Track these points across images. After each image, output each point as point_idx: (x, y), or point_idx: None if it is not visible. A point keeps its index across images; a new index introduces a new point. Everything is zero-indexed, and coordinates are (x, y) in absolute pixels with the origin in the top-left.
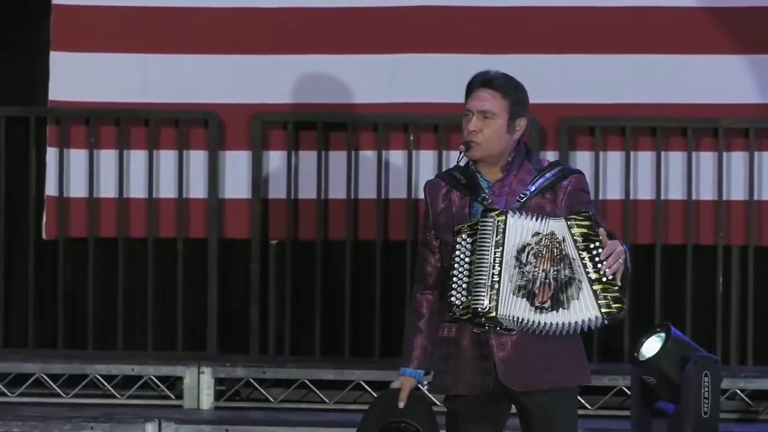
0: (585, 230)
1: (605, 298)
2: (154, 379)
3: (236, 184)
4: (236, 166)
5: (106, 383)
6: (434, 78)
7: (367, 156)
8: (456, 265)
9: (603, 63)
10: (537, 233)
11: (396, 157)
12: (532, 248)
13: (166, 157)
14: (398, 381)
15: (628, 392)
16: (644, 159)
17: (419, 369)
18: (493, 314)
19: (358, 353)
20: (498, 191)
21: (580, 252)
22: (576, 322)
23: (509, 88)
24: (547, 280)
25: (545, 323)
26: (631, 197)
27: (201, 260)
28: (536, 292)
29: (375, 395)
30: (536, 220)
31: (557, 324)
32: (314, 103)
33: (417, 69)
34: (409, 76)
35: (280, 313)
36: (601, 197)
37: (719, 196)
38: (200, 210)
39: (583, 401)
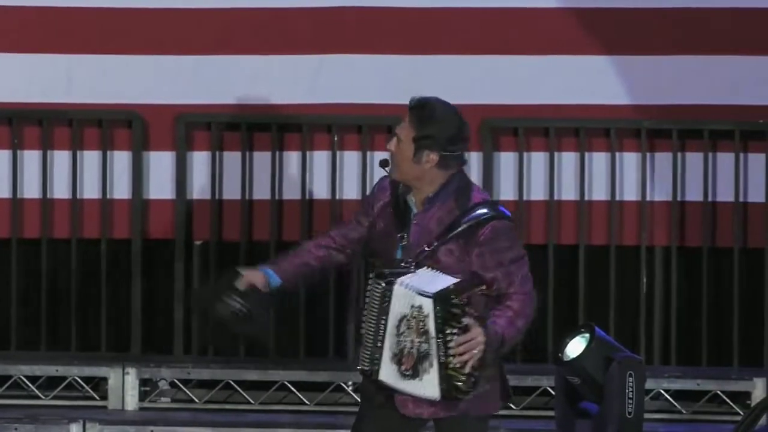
0: (447, 314)
1: (446, 382)
2: (79, 380)
3: (160, 185)
4: (160, 166)
5: (30, 384)
6: (358, 79)
7: (292, 157)
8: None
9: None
10: (413, 305)
11: (320, 158)
12: (407, 319)
13: (90, 158)
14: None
15: (553, 392)
16: (568, 160)
17: (277, 274)
18: (375, 377)
19: (282, 354)
20: (420, 223)
21: (438, 333)
22: (423, 394)
23: (424, 120)
24: (413, 350)
25: (406, 389)
26: (555, 198)
27: (125, 261)
28: (403, 360)
29: (300, 396)
30: (414, 293)
31: (412, 392)
32: (238, 104)
33: (341, 69)
34: (333, 77)
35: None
36: (525, 198)
37: (642, 197)
38: (124, 210)
39: None
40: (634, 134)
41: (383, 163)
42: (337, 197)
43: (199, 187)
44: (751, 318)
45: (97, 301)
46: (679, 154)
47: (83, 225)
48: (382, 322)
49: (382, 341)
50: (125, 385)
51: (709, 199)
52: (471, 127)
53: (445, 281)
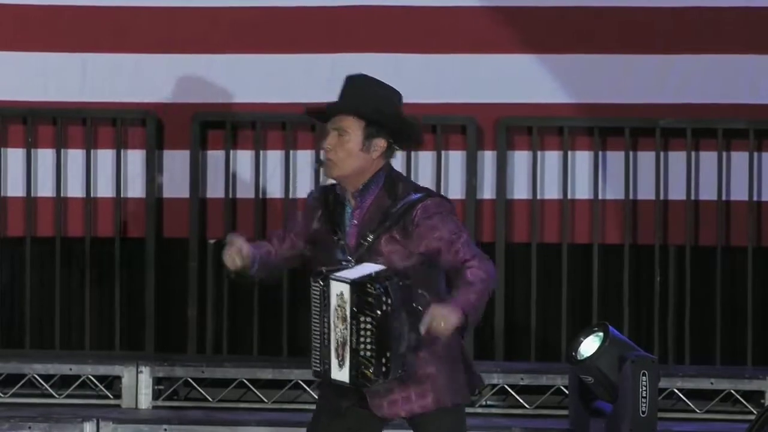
0: (362, 301)
1: (356, 369)
2: (92, 379)
3: (174, 184)
4: (174, 165)
5: (44, 383)
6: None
7: (305, 155)
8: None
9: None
10: (337, 294)
11: None
12: (336, 308)
13: (104, 157)
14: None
15: (566, 392)
16: (582, 159)
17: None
18: (328, 378)
19: (295, 352)
20: (357, 220)
21: (352, 319)
22: (341, 380)
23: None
24: (339, 338)
25: (338, 378)
26: (569, 197)
27: (139, 259)
28: (338, 350)
29: (313, 394)
30: (339, 281)
31: (341, 380)
32: (253, 103)
33: (355, 69)
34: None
35: (218, 312)
36: (539, 197)
37: (657, 196)
38: (138, 209)
39: (521, 400)
40: (648, 133)
41: (320, 164)
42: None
43: (213, 186)
44: (765, 317)
45: (110, 300)
46: (693, 153)
47: (97, 224)
48: (325, 320)
49: (329, 339)
50: (139, 384)
51: (724, 198)
52: (487, 125)
53: (371, 269)
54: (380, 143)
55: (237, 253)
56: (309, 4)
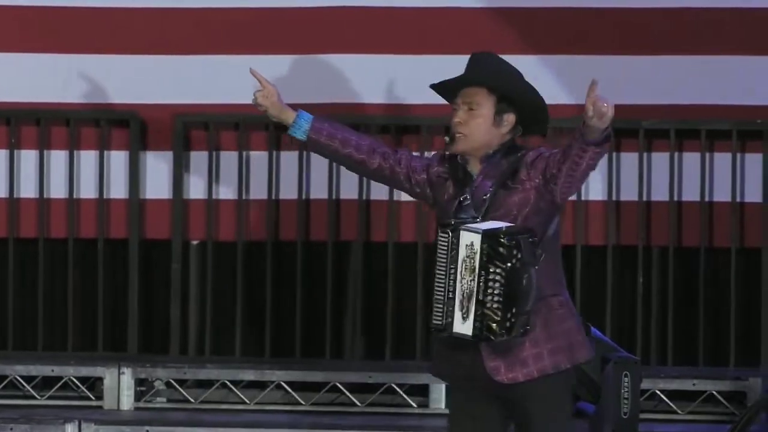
0: (493, 251)
1: (480, 321)
2: (74, 380)
3: (157, 185)
4: (157, 166)
5: (25, 384)
6: (358, 78)
7: (289, 156)
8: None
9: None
10: (467, 245)
11: (318, 158)
12: (464, 259)
13: (87, 158)
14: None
15: None
16: None
17: (309, 117)
18: (449, 332)
19: (278, 353)
20: (479, 182)
21: (480, 270)
22: (462, 332)
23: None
24: (466, 290)
25: (460, 331)
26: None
27: (122, 261)
28: (463, 303)
29: (296, 396)
30: (470, 232)
31: (462, 333)
32: (236, 104)
33: (338, 69)
34: (328, 77)
35: (200, 313)
36: None
37: (640, 197)
38: (121, 210)
39: None
40: (631, 134)
41: (451, 139)
42: (334, 197)
43: (196, 187)
44: (747, 318)
45: (93, 301)
46: (676, 154)
47: (80, 225)
48: (452, 271)
49: (453, 291)
50: (121, 385)
51: (707, 199)
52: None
53: (501, 224)
54: (510, 118)
55: (262, 94)
56: (293, 5)
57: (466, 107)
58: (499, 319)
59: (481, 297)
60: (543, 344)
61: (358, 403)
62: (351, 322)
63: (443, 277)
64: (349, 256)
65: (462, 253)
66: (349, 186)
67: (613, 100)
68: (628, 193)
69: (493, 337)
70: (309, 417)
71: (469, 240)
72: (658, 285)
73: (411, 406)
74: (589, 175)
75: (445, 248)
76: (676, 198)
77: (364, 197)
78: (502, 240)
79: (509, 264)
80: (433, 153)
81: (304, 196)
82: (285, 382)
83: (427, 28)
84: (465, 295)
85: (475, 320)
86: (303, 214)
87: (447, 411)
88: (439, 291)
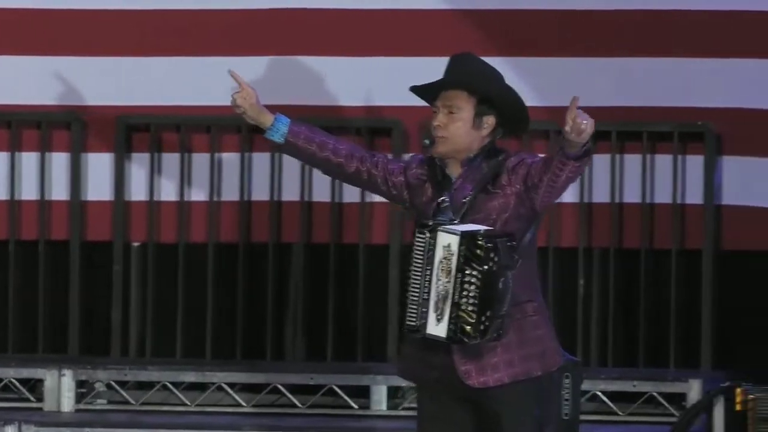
0: (470, 253)
1: (455, 323)
2: (15, 382)
3: (99, 187)
4: (99, 168)
5: None
6: (299, 80)
7: (231, 158)
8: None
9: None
10: (444, 246)
11: (260, 159)
12: (441, 260)
13: (29, 160)
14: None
15: None
16: None
17: (287, 121)
18: (423, 333)
19: (219, 355)
20: (458, 185)
21: (457, 272)
22: (436, 334)
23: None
24: (441, 292)
25: (433, 333)
26: None
27: (63, 262)
28: (438, 305)
29: (237, 397)
30: (447, 233)
31: (436, 335)
32: (178, 106)
33: (282, 72)
34: (273, 79)
35: (141, 315)
36: None
37: (581, 199)
38: (62, 212)
39: None
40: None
41: (430, 142)
42: (275, 198)
43: (137, 189)
44: (688, 320)
45: (34, 303)
46: (617, 156)
47: (21, 226)
48: (428, 272)
49: (429, 292)
50: (61, 387)
51: (648, 200)
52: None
53: (479, 227)
54: (490, 120)
55: (241, 96)
56: (236, 7)
57: (446, 110)
58: (473, 321)
59: (456, 299)
60: (515, 350)
61: (300, 405)
62: (292, 323)
63: (419, 277)
64: (290, 258)
65: (439, 254)
66: (291, 188)
67: (554, 102)
68: (570, 195)
69: (466, 340)
70: (250, 418)
71: (447, 241)
72: (599, 287)
73: (352, 407)
74: (569, 186)
75: (422, 248)
76: (617, 200)
77: (306, 198)
78: (480, 242)
79: (486, 267)
80: (410, 155)
81: (246, 198)
82: (226, 384)
83: (403, 30)
84: (440, 296)
85: (449, 322)
86: (245, 215)
87: (389, 413)
88: (414, 291)
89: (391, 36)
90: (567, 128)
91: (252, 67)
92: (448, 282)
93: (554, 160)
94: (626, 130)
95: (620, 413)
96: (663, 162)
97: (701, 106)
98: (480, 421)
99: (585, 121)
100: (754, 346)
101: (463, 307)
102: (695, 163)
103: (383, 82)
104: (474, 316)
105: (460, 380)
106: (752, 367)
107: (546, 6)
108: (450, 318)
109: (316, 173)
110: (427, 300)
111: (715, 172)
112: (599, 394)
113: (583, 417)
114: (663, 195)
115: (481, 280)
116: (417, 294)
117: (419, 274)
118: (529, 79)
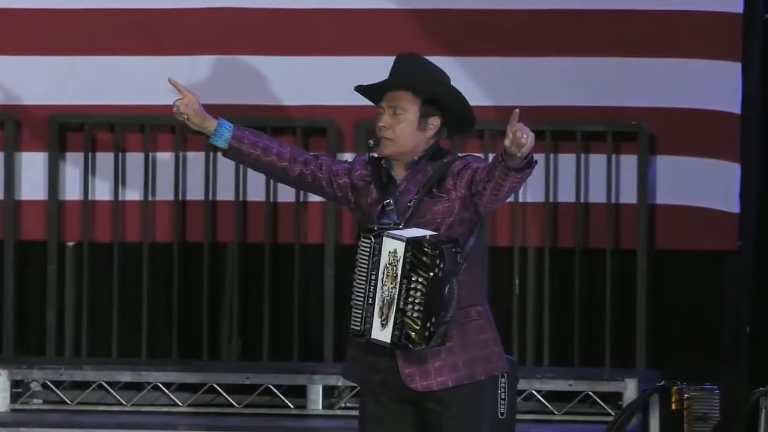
0: (416, 259)
1: (399, 329)
2: None
3: (33, 186)
4: (33, 167)
5: None
6: (233, 80)
7: (165, 158)
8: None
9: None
10: (390, 251)
11: (194, 159)
12: (387, 266)
13: None
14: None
15: None
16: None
17: (230, 126)
18: (368, 338)
19: (155, 355)
20: (403, 188)
21: (402, 278)
22: (381, 340)
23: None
24: (387, 297)
25: (378, 338)
26: None
27: None
28: (383, 310)
29: (172, 397)
30: (393, 239)
31: (381, 340)
32: (112, 105)
33: (216, 70)
34: (209, 78)
35: (76, 315)
36: None
37: (515, 198)
38: None
39: None
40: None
41: (375, 143)
42: (210, 198)
43: (71, 189)
44: (623, 319)
45: None
46: (551, 156)
47: None
48: (373, 277)
49: (374, 298)
50: None
51: (582, 200)
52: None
53: (424, 232)
54: (435, 122)
55: (183, 102)
56: (169, 6)
57: (391, 111)
58: (418, 327)
59: (401, 305)
60: (459, 354)
61: (236, 404)
62: (228, 323)
63: (363, 282)
64: (225, 257)
65: (384, 259)
66: (226, 187)
67: (489, 102)
68: None
69: (411, 346)
70: (186, 418)
71: (393, 247)
72: (534, 286)
73: (288, 407)
74: (513, 193)
75: (367, 254)
76: (551, 199)
77: (241, 198)
78: (426, 249)
79: (432, 273)
80: (355, 156)
81: (180, 197)
82: (162, 383)
83: (337, 29)
84: (385, 302)
85: (394, 328)
86: (180, 215)
87: (325, 412)
88: (358, 296)
89: (325, 35)
90: (507, 142)
91: (186, 66)
92: (394, 288)
93: (497, 170)
94: (560, 130)
95: (556, 412)
96: (597, 162)
97: (635, 105)
98: (423, 423)
99: (525, 135)
100: (689, 345)
101: (408, 314)
102: (629, 163)
103: (318, 81)
104: (419, 322)
105: (404, 383)
106: (687, 366)
107: (480, 6)
108: (395, 324)
109: (251, 173)
110: (372, 305)
111: (648, 171)
112: (535, 393)
113: (519, 416)
114: (597, 194)
115: (427, 287)
116: (361, 299)
117: (364, 278)
118: (457, 79)
